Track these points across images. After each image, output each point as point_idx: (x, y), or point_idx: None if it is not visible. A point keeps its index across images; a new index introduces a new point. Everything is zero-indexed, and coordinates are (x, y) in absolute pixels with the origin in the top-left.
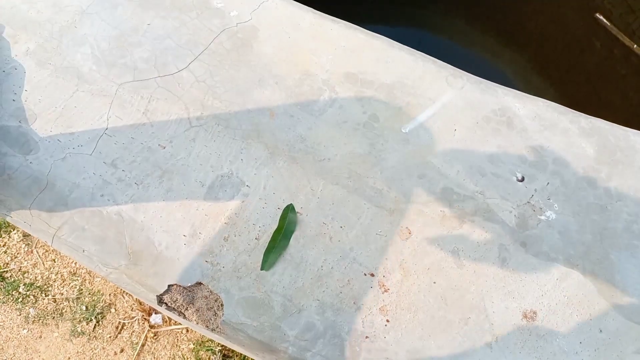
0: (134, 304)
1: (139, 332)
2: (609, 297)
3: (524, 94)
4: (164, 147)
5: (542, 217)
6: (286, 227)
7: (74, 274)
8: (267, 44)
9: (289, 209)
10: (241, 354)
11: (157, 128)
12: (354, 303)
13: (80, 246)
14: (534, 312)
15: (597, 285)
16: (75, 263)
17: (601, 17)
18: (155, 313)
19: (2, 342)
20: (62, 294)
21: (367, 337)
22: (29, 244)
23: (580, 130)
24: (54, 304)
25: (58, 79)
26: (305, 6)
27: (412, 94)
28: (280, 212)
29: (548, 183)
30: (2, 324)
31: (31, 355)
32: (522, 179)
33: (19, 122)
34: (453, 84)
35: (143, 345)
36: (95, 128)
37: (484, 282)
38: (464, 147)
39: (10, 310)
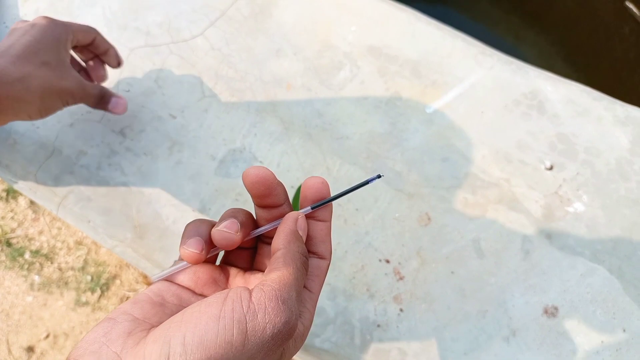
0: (138, 277)
1: None
2: (635, 295)
3: (557, 76)
4: (175, 118)
5: (570, 209)
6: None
7: (80, 243)
8: (287, 12)
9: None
10: None
11: (168, 97)
12: (367, 290)
13: (86, 216)
14: (556, 308)
15: (623, 283)
16: (81, 232)
17: (631, 6)
18: None
19: (7, 307)
20: (68, 263)
21: (379, 325)
22: (35, 211)
23: (614, 119)
24: (59, 272)
25: None
26: None
27: (438, 72)
28: (294, 191)
29: (578, 173)
30: (8, 289)
31: (35, 322)
32: (551, 168)
33: None
34: (482, 63)
35: None
36: None
37: (505, 274)
38: (491, 131)
39: (16, 277)
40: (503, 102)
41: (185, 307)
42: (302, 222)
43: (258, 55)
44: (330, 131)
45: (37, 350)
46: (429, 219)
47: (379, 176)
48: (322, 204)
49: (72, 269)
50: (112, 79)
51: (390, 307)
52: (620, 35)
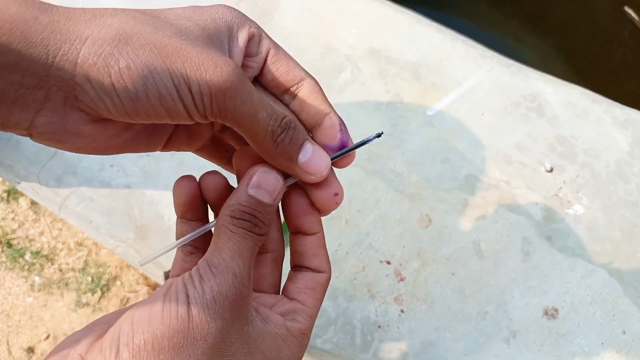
0: (139, 278)
1: None
2: (635, 297)
3: (556, 79)
4: None
5: (570, 211)
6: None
7: (81, 244)
8: (288, 15)
9: None
10: None
11: None
12: (368, 291)
13: (88, 217)
14: (556, 310)
15: (623, 285)
16: (82, 233)
17: (630, 11)
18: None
19: (8, 308)
20: (68, 264)
21: (379, 326)
22: (36, 212)
23: (614, 121)
24: (60, 273)
25: None
26: None
27: (438, 74)
28: None
29: (577, 175)
30: (8, 290)
31: (36, 323)
32: (551, 170)
33: None
34: (482, 65)
35: None
36: None
37: (505, 275)
38: (490, 132)
39: (16, 277)
40: (503, 104)
41: None
42: (257, 178)
43: None
44: None
45: (37, 351)
46: (429, 220)
47: (378, 135)
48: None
49: (73, 270)
50: None
51: (391, 308)
52: (619, 39)
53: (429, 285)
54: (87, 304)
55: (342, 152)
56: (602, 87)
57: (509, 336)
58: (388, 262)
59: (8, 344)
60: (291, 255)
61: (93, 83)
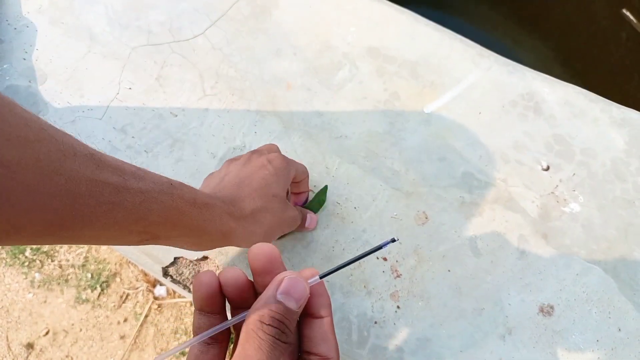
0: (138, 275)
1: (143, 303)
2: (630, 295)
3: (553, 78)
4: (176, 116)
5: (566, 209)
6: (312, 207)
7: None
8: (287, 12)
9: (324, 191)
10: None
11: (169, 95)
12: (365, 287)
13: None
14: (551, 307)
15: (618, 283)
16: None
17: (627, 13)
18: (160, 285)
19: (8, 304)
20: (68, 260)
21: (376, 322)
22: None
23: (611, 120)
24: (60, 269)
25: (70, 38)
26: None
27: (436, 73)
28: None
29: (574, 174)
30: (8, 286)
31: (35, 319)
32: (547, 168)
33: (29, 81)
34: (480, 64)
35: (147, 316)
36: (106, 92)
37: (501, 272)
38: (488, 131)
39: (16, 274)
40: (500, 103)
41: None
42: (286, 285)
43: (258, 55)
44: (329, 130)
45: (37, 347)
46: (426, 217)
47: (393, 240)
48: (333, 271)
49: (73, 266)
50: (114, 77)
51: (387, 304)
52: (617, 41)
53: (425, 282)
54: (86, 301)
55: (355, 259)
56: (601, 89)
57: (504, 333)
58: (385, 259)
59: (7, 339)
60: (301, 339)
61: (241, 242)
